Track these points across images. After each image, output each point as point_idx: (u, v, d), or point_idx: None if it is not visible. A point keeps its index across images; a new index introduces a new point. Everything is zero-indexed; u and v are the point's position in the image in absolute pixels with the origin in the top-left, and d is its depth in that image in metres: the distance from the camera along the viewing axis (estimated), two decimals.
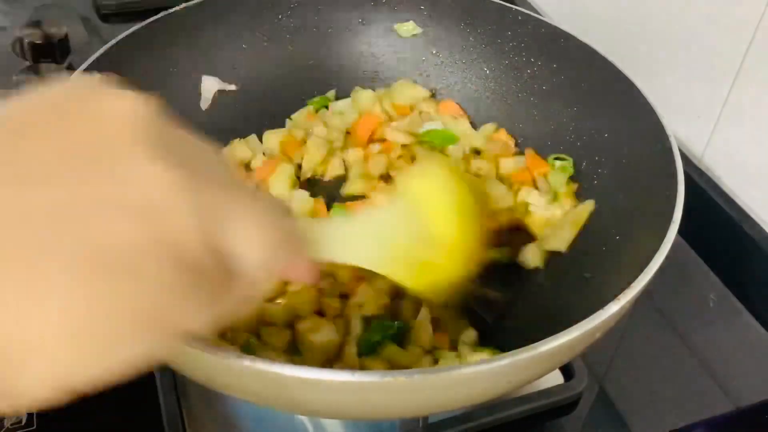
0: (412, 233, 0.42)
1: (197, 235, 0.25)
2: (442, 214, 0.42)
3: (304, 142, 0.71)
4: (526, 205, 0.65)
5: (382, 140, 0.73)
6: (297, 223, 0.33)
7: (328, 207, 0.66)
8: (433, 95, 0.77)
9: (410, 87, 0.76)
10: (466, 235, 0.43)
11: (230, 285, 0.27)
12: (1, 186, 0.22)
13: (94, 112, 0.24)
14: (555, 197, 0.65)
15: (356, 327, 0.54)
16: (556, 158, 0.67)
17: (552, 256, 0.63)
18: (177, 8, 0.67)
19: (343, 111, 0.74)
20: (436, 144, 0.72)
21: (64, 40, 0.90)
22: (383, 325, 0.55)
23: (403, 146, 0.72)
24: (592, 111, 0.66)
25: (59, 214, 0.22)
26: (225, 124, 0.71)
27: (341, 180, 0.70)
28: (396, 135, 0.72)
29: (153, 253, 0.23)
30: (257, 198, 0.29)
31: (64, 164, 0.23)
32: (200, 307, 0.25)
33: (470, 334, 0.55)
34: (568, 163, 0.66)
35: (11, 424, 0.54)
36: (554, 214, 0.64)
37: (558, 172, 0.66)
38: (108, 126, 0.24)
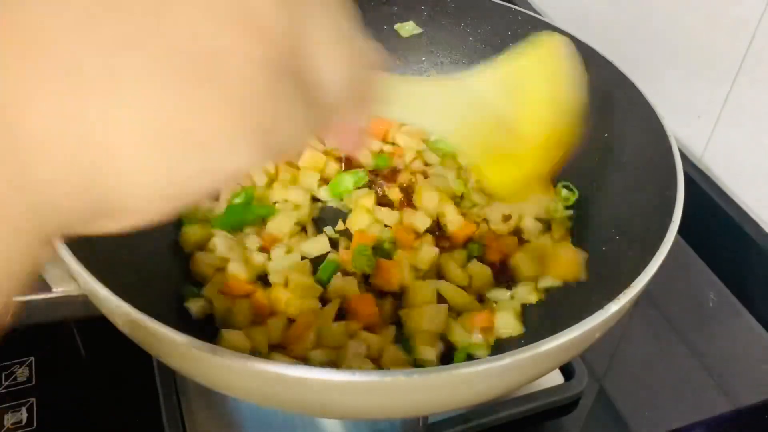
0: (502, 112, 0.37)
1: (283, 33, 0.23)
2: (549, 104, 0.38)
3: None
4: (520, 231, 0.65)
5: (393, 144, 0.73)
6: (375, 77, 0.30)
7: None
8: None
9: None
10: (556, 135, 0.39)
11: (312, 102, 0.25)
12: None
13: None
14: (548, 226, 0.65)
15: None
16: (564, 186, 0.67)
17: None
18: None
19: None
20: (446, 151, 0.72)
21: None
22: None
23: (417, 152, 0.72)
24: (592, 111, 0.65)
25: (132, 10, 0.21)
26: None
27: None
28: (407, 140, 0.72)
29: (242, 54, 0.22)
30: (341, 20, 0.28)
31: None
32: (294, 112, 0.24)
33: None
34: (572, 195, 0.66)
35: (11, 424, 0.54)
36: (543, 245, 0.63)
37: (559, 199, 0.66)
38: None
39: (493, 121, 0.38)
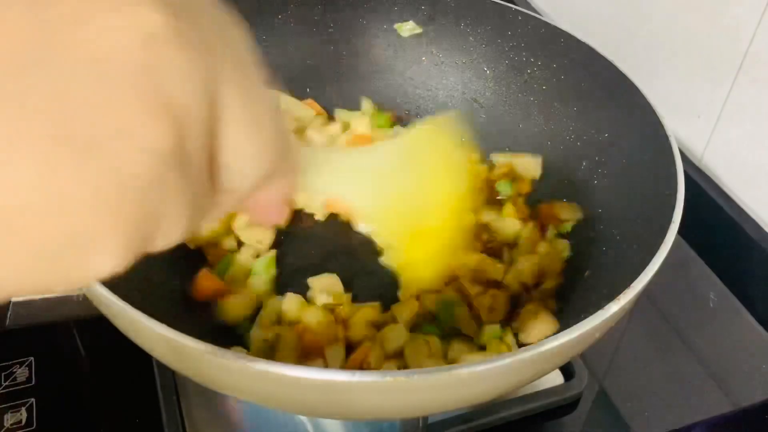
0: (410, 182, 0.38)
1: (198, 115, 0.20)
2: (448, 171, 0.39)
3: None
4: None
5: None
6: (296, 142, 0.28)
7: None
8: None
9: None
10: (464, 203, 0.40)
11: (213, 194, 0.23)
12: None
13: None
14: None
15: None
16: (560, 235, 0.64)
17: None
18: None
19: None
20: None
21: None
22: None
23: None
24: (592, 111, 0.66)
25: (47, 70, 0.17)
26: None
27: None
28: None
29: (141, 142, 0.19)
30: (260, 93, 0.24)
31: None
32: (177, 212, 0.21)
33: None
34: (566, 246, 0.63)
35: (11, 424, 0.54)
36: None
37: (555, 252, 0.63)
38: None
39: (401, 193, 0.38)
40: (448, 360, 0.54)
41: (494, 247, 0.64)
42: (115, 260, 0.20)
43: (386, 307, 0.58)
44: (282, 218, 0.31)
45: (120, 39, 0.18)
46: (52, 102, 0.17)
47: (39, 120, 0.17)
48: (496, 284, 0.60)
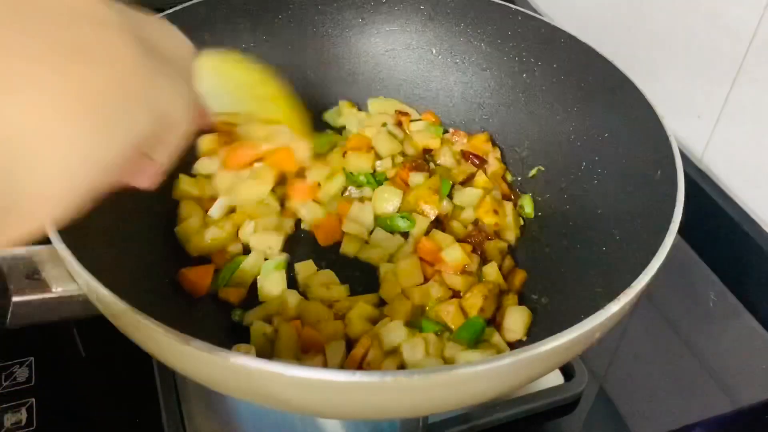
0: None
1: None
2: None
3: None
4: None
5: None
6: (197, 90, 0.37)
7: None
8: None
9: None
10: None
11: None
12: None
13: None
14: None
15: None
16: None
17: (552, 255, 0.63)
18: (177, 8, 0.68)
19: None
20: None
21: None
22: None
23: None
24: (592, 111, 0.66)
25: (32, 15, 0.24)
26: None
27: None
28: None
29: (109, 40, 0.26)
30: (179, 75, 0.32)
31: None
32: (171, 92, 0.29)
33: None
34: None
35: (11, 424, 0.54)
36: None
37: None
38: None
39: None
40: (445, 358, 0.54)
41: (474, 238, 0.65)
42: (145, 118, 0.28)
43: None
44: (154, 183, 0.37)
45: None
46: (48, 27, 0.24)
47: (46, 47, 0.24)
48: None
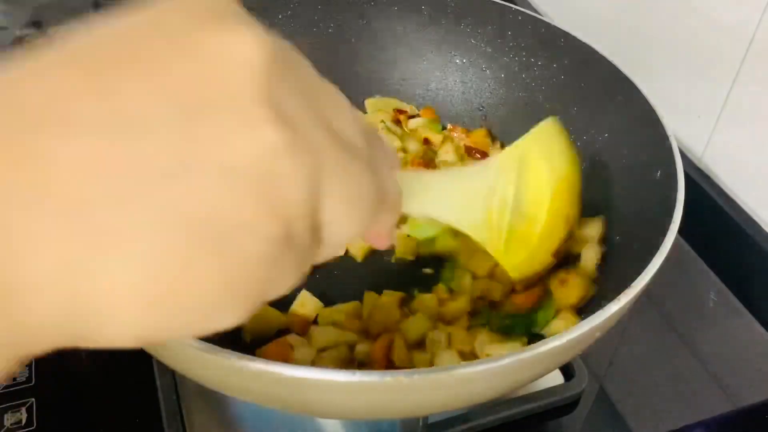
0: (507, 196, 0.41)
1: (304, 209, 0.23)
2: (549, 182, 0.41)
3: None
4: None
5: None
6: (397, 183, 0.30)
7: None
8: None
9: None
10: (564, 211, 0.43)
11: (317, 252, 0.26)
12: (87, 133, 0.19)
13: (210, 49, 0.22)
14: None
15: None
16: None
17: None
18: None
19: None
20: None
21: None
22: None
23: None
24: (592, 111, 0.66)
25: (148, 169, 0.20)
26: None
27: None
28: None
29: (256, 232, 0.22)
30: (367, 158, 0.27)
31: (162, 111, 0.20)
32: (289, 276, 0.25)
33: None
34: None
35: (11, 424, 0.54)
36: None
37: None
38: (223, 70, 0.21)
39: (503, 205, 0.41)
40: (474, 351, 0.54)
41: None
42: (236, 320, 0.24)
43: None
44: (389, 243, 0.35)
45: (248, 153, 0.22)
46: (189, 201, 0.21)
47: (171, 220, 0.21)
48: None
